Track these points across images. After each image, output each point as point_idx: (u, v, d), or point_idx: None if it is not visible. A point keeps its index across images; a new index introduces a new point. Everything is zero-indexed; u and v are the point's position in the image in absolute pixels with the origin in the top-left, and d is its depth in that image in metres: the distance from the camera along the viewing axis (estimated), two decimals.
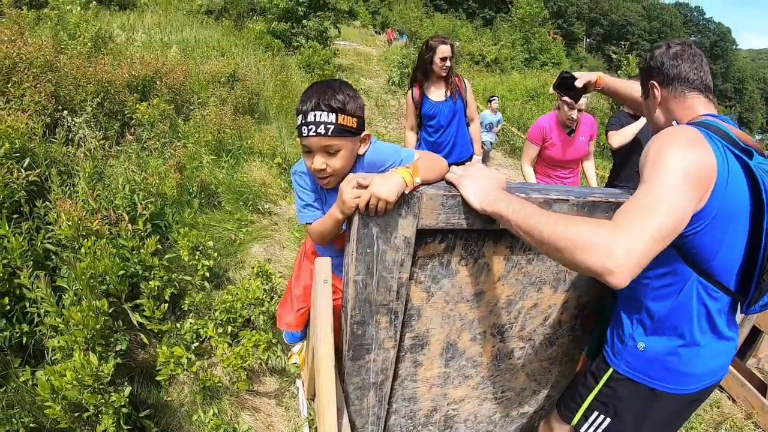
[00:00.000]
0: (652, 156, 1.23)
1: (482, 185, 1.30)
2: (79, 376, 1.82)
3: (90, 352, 1.99)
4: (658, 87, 1.48)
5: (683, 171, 1.17)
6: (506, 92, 14.65)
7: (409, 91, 3.73)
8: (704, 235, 1.28)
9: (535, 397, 2.21)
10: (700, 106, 1.42)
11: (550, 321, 1.90)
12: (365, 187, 1.24)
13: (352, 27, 26.28)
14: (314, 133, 1.40)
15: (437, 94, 3.65)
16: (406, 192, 1.27)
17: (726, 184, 1.25)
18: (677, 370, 1.44)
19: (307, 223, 1.62)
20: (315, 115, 1.38)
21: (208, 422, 2.25)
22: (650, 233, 1.08)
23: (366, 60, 16.67)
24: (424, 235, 1.44)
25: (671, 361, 1.43)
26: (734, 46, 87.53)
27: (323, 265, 1.48)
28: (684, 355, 1.42)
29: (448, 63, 3.53)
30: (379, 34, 26.54)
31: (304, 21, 12.65)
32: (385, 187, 1.22)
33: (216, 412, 2.35)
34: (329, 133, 1.40)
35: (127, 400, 1.99)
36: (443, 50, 3.50)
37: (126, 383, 2.31)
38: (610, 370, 1.54)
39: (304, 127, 1.40)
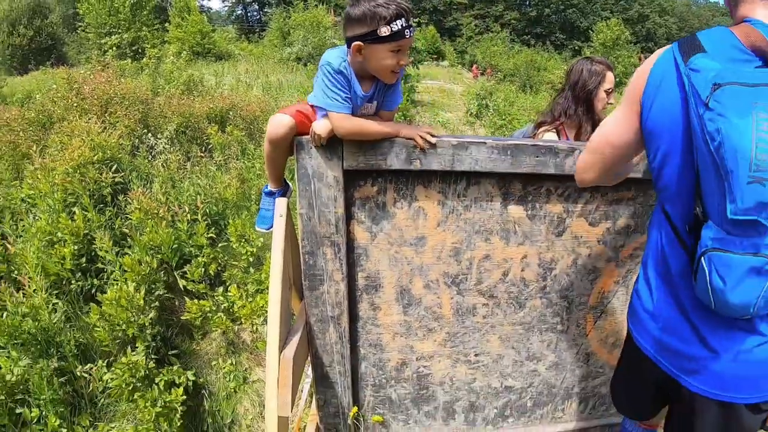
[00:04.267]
0: None
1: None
2: (120, 301, 2.33)
3: (132, 288, 2.53)
4: None
5: (626, 91, 1.37)
6: None
7: (547, 135, 2.70)
8: (656, 165, 1.31)
9: (519, 370, 2.31)
10: (747, 10, 1.27)
11: (510, 277, 2.05)
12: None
13: (440, 67, 27.25)
14: (413, 32, 1.65)
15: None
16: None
17: (653, 98, 1.26)
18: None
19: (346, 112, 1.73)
20: (410, 18, 1.63)
21: (224, 368, 2.64)
22: (588, 147, 1.45)
23: (449, 96, 17.30)
24: (355, 178, 1.75)
25: None
26: None
27: (281, 202, 1.82)
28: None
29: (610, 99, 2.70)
30: (468, 71, 27.23)
31: None
32: None
33: (233, 362, 2.74)
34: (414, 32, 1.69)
35: (153, 325, 2.50)
36: (611, 78, 2.67)
37: (163, 329, 2.83)
38: None
39: (407, 30, 1.61)
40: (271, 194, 2.03)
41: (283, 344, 1.76)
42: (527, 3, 57.29)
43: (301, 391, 2.72)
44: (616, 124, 1.39)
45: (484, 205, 1.90)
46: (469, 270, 2.02)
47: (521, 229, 1.98)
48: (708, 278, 1.14)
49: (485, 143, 1.73)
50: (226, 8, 58.77)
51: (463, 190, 1.87)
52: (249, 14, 58.36)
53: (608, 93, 2.65)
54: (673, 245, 1.33)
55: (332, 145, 1.68)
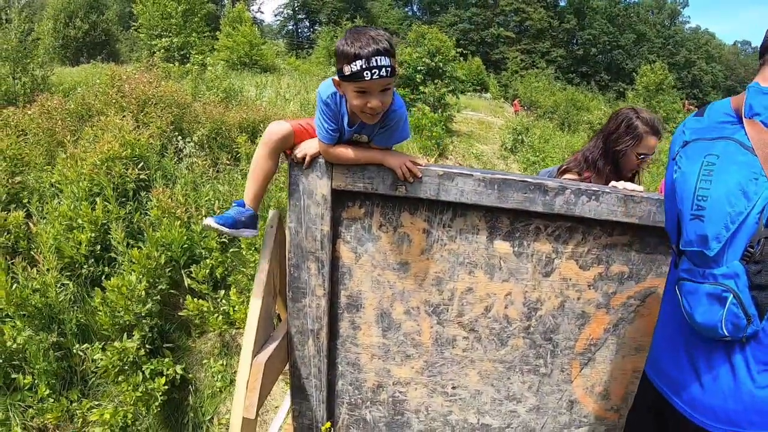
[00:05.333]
0: None
1: None
2: (122, 289, 2.48)
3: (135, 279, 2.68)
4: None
5: None
6: None
7: None
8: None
9: (497, 408, 2.31)
10: (758, 77, 1.38)
11: (493, 313, 2.08)
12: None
13: (483, 99, 27.42)
14: (378, 76, 1.57)
15: None
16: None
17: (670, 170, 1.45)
18: None
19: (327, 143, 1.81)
20: (377, 60, 1.55)
21: (214, 367, 2.75)
22: None
23: (487, 128, 17.42)
24: (344, 198, 1.83)
25: None
26: None
27: (274, 215, 1.92)
28: None
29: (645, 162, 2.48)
30: (511, 105, 27.34)
31: (421, 87, 13.75)
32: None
33: (224, 363, 2.85)
34: (389, 75, 1.60)
35: (152, 316, 2.64)
36: (650, 144, 2.41)
37: (162, 322, 2.97)
38: None
39: (367, 72, 1.56)
40: (241, 206, 1.95)
41: (258, 349, 1.84)
42: (575, 41, 57.39)
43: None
44: None
45: (470, 238, 1.95)
46: (450, 301, 2.06)
47: (507, 266, 2.00)
48: (681, 302, 1.34)
49: (472, 175, 1.79)
50: (278, 22, 60.74)
51: (449, 220, 1.92)
52: (299, 30, 60.16)
53: (641, 159, 2.39)
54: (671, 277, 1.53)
55: (322, 164, 1.78)
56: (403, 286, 2.02)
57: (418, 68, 14.24)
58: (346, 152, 1.79)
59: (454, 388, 2.26)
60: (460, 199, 1.84)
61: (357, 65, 1.56)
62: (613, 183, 2.05)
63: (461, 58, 21.38)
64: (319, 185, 1.79)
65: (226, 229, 1.84)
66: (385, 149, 1.85)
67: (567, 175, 2.52)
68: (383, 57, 1.57)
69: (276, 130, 1.82)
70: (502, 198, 1.85)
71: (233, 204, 1.96)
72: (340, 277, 2.01)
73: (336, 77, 1.69)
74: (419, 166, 1.79)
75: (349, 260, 1.97)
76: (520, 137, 13.54)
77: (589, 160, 2.48)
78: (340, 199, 1.86)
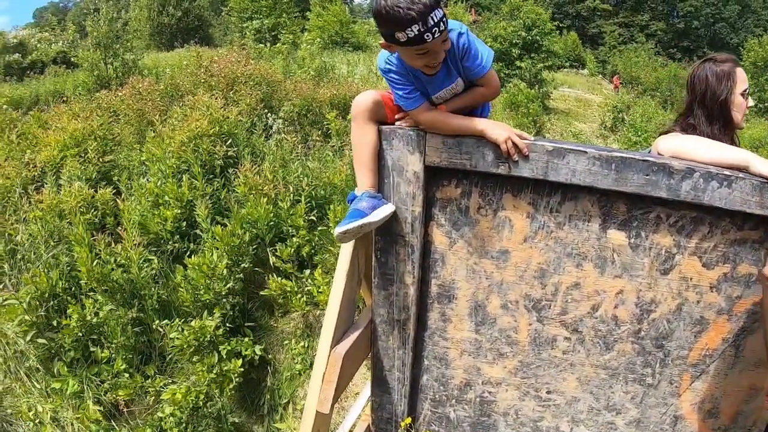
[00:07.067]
0: None
1: None
2: (202, 268, 2.51)
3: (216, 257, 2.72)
4: None
5: None
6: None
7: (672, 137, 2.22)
8: None
9: (594, 419, 2.11)
10: None
11: (600, 313, 1.87)
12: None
13: (580, 75, 26.10)
14: (439, 33, 1.47)
15: None
16: None
17: None
18: None
19: (413, 108, 1.70)
20: (433, 16, 1.44)
21: (295, 349, 2.74)
22: None
23: (585, 106, 16.70)
24: (438, 176, 1.68)
25: None
26: None
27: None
28: None
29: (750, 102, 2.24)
30: (610, 82, 25.79)
31: (517, 62, 13.26)
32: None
33: (306, 345, 2.84)
34: (447, 26, 1.50)
35: (233, 294, 2.67)
36: (744, 76, 2.21)
37: (244, 300, 3.01)
38: None
39: (428, 34, 1.45)
40: (352, 199, 1.75)
41: (338, 339, 1.75)
42: (675, 14, 53.78)
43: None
44: None
45: (580, 225, 1.74)
46: (554, 296, 1.86)
47: (620, 259, 1.77)
48: None
49: (586, 152, 1.57)
50: (368, 1, 61.32)
51: (557, 204, 1.72)
52: None
53: (745, 95, 2.18)
54: None
55: (413, 137, 1.62)
56: (502, 276, 1.84)
57: (514, 42, 13.74)
58: (442, 117, 1.65)
59: (548, 392, 2.07)
60: (571, 180, 1.63)
61: (414, 30, 1.44)
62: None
63: (557, 32, 20.37)
64: (410, 161, 1.64)
65: (352, 224, 1.61)
66: (486, 120, 1.67)
67: (672, 135, 2.18)
68: (437, 10, 1.44)
69: (362, 99, 1.71)
70: (620, 180, 1.62)
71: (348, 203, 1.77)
72: (431, 264, 1.87)
73: (383, 42, 1.55)
74: (526, 141, 1.60)
75: (443, 246, 1.82)
76: (620, 115, 12.69)
77: (696, 130, 2.17)
78: (433, 176, 1.71)
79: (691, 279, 1.78)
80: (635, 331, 1.90)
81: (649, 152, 2.40)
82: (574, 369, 2.00)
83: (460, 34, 1.62)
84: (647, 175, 1.58)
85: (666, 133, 2.28)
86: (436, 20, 1.44)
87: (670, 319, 1.85)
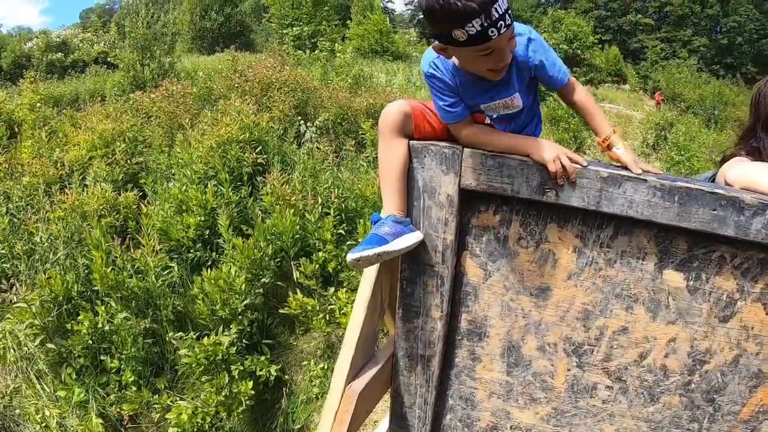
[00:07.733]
0: None
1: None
2: (219, 282, 2.41)
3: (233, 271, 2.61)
4: None
5: None
6: None
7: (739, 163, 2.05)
8: None
9: None
10: None
11: (648, 361, 1.67)
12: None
13: (621, 90, 25.65)
14: (505, 27, 1.28)
15: None
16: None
17: None
18: None
19: (452, 122, 1.55)
20: (497, 7, 1.23)
21: (314, 371, 2.61)
22: None
23: (626, 122, 16.45)
24: (475, 201, 1.52)
25: None
26: None
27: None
28: None
29: None
30: (651, 98, 25.22)
31: None
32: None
33: (325, 367, 2.70)
34: (512, 18, 1.31)
35: (251, 310, 2.56)
36: None
37: (263, 316, 2.89)
38: None
39: (492, 30, 1.25)
40: (376, 221, 1.56)
41: (354, 374, 1.61)
42: (718, 29, 52.74)
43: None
44: None
45: (633, 264, 1.55)
46: (597, 341, 1.68)
47: (676, 304, 1.58)
48: None
49: (646, 181, 1.38)
50: (409, 11, 61.87)
51: (609, 238, 1.53)
52: None
53: None
54: None
55: (448, 155, 1.46)
56: (541, 316, 1.67)
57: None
58: (486, 133, 1.48)
59: None
60: (627, 212, 1.44)
61: (476, 25, 1.23)
62: None
63: (599, 45, 20.06)
64: (443, 182, 1.49)
65: (367, 252, 1.44)
66: (533, 138, 1.49)
67: (736, 159, 1.94)
68: (497, 3, 1.22)
69: (388, 110, 1.52)
70: (683, 214, 1.42)
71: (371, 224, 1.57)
72: (462, 297, 1.70)
73: (437, 44, 1.35)
74: (577, 166, 1.42)
75: (476, 278, 1.66)
76: (662, 133, 12.27)
77: (762, 157, 1.92)
78: (469, 201, 1.54)
79: (752, 328, 1.58)
80: (685, 383, 1.69)
81: (712, 180, 2.18)
82: (614, 420, 1.81)
83: (530, 40, 1.43)
84: (714, 210, 1.39)
85: (730, 157, 2.04)
86: (500, 12, 1.24)
87: (724, 371, 1.64)
